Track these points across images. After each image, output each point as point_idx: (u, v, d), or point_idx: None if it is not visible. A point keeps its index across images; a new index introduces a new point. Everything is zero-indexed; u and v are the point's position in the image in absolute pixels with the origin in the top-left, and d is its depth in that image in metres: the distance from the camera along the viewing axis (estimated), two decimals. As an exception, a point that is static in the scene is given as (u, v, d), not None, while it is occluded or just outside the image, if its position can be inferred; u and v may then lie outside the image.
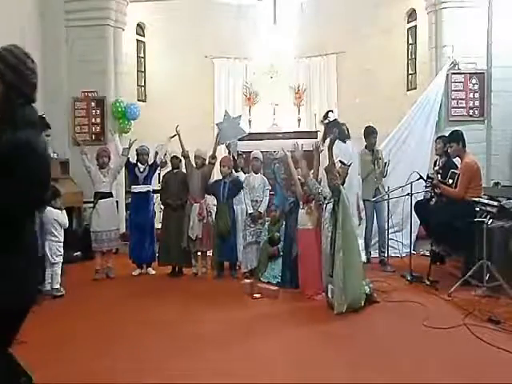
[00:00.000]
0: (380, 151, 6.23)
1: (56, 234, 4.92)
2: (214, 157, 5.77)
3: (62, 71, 7.55)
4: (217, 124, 6.23)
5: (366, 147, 6.27)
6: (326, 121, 5.18)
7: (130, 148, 5.90)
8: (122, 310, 4.46)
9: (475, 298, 4.43)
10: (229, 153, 6.14)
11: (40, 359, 3.14)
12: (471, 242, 4.79)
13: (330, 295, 4.28)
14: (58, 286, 4.90)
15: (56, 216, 4.93)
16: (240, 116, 6.34)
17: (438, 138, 6.25)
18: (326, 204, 4.49)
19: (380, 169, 6.12)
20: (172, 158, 5.89)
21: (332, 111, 5.47)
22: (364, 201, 6.28)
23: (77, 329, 3.93)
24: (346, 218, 4.26)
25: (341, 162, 4.51)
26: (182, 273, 5.85)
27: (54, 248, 4.91)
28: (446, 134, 6.09)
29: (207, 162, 5.79)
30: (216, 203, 5.84)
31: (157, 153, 5.89)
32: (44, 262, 4.89)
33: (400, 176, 5.96)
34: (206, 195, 5.87)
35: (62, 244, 5.00)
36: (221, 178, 5.82)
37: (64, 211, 5.09)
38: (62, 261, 5.01)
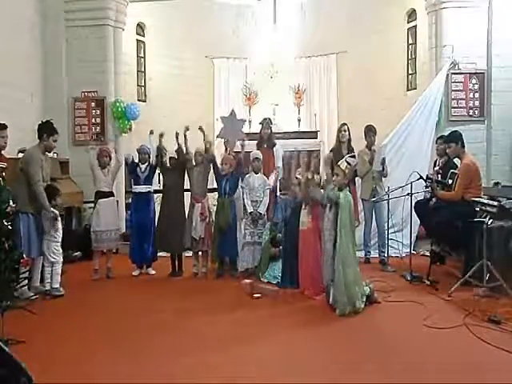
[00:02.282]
0: (379, 148, 6.20)
1: (53, 233, 4.92)
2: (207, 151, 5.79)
3: (62, 71, 7.54)
4: (221, 117, 6.24)
5: (366, 146, 6.27)
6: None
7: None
8: (122, 310, 4.46)
9: (475, 298, 4.43)
10: (225, 150, 6.14)
11: (40, 359, 3.15)
12: (471, 242, 4.79)
13: (331, 300, 4.26)
14: (57, 286, 4.90)
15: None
16: (244, 121, 6.39)
17: (438, 139, 6.22)
18: (329, 207, 4.48)
19: (378, 169, 6.10)
20: (170, 158, 5.89)
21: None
22: (362, 201, 6.29)
23: (76, 329, 3.93)
24: (346, 219, 4.26)
25: (346, 161, 4.51)
26: (182, 272, 5.85)
27: (52, 247, 4.91)
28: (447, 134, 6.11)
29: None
30: (216, 201, 5.85)
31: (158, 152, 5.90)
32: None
33: (400, 176, 5.95)
34: (209, 194, 5.89)
35: (59, 243, 5.00)
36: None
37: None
38: (61, 260, 5.01)
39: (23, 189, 4.80)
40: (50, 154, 5.94)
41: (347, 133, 6.35)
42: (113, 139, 7.64)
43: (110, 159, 5.87)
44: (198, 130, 5.78)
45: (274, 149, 6.23)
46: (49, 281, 4.86)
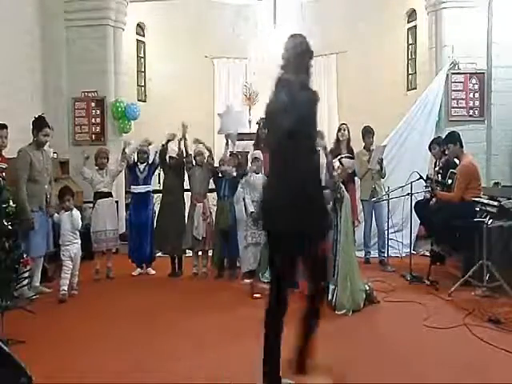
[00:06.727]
0: (379, 147, 6.19)
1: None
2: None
3: (62, 71, 7.54)
4: (218, 114, 6.25)
5: (364, 147, 6.28)
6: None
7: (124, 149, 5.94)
8: (122, 310, 4.46)
9: (475, 298, 4.43)
10: (226, 143, 6.14)
11: (40, 359, 3.15)
12: (471, 242, 4.79)
13: (330, 295, 4.28)
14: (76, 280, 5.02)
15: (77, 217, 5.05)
16: (242, 112, 6.40)
17: (431, 143, 6.14)
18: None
19: (375, 168, 6.10)
20: (170, 158, 5.89)
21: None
22: (362, 201, 6.28)
23: (76, 329, 3.93)
24: (346, 217, 4.28)
25: (340, 162, 4.51)
26: (182, 272, 5.84)
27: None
28: (438, 137, 6.16)
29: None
30: (216, 202, 5.86)
31: (157, 152, 5.90)
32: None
33: (400, 176, 5.96)
34: (208, 194, 5.90)
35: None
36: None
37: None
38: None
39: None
40: (51, 155, 5.94)
41: (346, 132, 6.34)
42: (113, 139, 7.64)
43: (108, 160, 5.86)
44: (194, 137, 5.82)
45: None
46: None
